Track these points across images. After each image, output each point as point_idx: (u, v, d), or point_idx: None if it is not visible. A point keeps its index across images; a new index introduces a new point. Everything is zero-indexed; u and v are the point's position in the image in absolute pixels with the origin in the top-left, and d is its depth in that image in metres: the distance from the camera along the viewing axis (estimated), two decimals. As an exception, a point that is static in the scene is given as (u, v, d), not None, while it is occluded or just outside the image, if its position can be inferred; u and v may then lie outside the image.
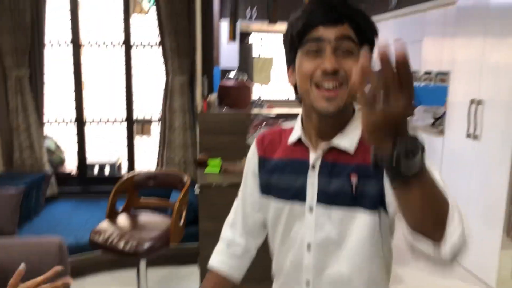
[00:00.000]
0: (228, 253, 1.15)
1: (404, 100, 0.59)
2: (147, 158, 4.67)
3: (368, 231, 0.92)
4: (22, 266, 1.16)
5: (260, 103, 4.33)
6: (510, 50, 2.76)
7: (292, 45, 0.93)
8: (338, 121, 0.94)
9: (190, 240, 3.18)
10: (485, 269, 3.00)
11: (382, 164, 0.66)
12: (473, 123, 3.08)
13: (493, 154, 2.92)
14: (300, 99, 0.97)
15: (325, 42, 0.87)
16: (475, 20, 3.09)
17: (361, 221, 0.92)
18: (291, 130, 1.03)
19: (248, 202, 1.12)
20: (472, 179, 3.13)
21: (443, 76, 4.26)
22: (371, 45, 0.91)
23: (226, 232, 1.18)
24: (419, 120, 4.04)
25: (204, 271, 2.73)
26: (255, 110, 3.49)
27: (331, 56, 0.86)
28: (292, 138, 1.01)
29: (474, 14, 3.11)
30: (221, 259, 1.15)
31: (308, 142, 0.98)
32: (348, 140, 0.93)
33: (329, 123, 0.94)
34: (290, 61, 0.96)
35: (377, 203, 0.91)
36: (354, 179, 0.91)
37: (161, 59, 3.90)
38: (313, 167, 0.96)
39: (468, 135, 3.13)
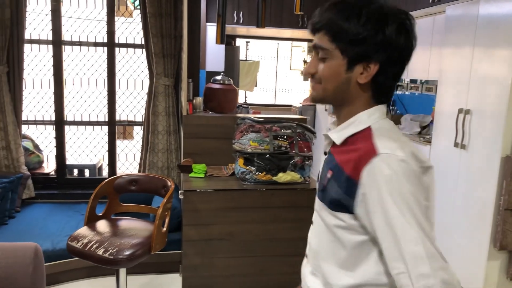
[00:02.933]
0: None
1: None
2: (129, 162, 4.56)
3: (329, 226, 1.00)
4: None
5: (246, 107, 4.27)
6: (498, 60, 2.76)
7: None
8: (340, 116, 1.04)
9: (173, 247, 3.09)
10: (471, 280, 2.99)
11: None
12: (461, 132, 3.08)
13: (480, 164, 2.92)
14: None
15: (313, 50, 1.03)
16: (464, 29, 3.10)
17: (324, 214, 1.02)
18: None
19: None
20: (459, 189, 3.13)
21: (429, 85, 4.27)
22: (358, 44, 0.94)
23: None
24: (405, 129, 4.04)
25: (187, 280, 2.65)
26: (240, 115, 3.43)
27: (310, 62, 1.02)
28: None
29: (463, 24, 3.11)
30: None
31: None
32: (338, 134, 1.02)
33: (337, 117, 1.06)
34: None
35: (337, 207, 0.96)
36: (329, 174, 1.00)
37: (145, 61, 3.81)
38: (325, 153, 1.08)
39: (456, 144, 3.13)
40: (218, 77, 3.40)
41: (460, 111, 3.09)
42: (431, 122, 3.77)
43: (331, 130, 1.04)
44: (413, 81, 4.50)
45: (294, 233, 2.63)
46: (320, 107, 6.28)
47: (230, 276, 2.63)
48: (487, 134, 2.85)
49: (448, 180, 3.23)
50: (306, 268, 1.11)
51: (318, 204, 1.06)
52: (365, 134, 0.96)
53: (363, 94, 0.99)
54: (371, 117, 0.98)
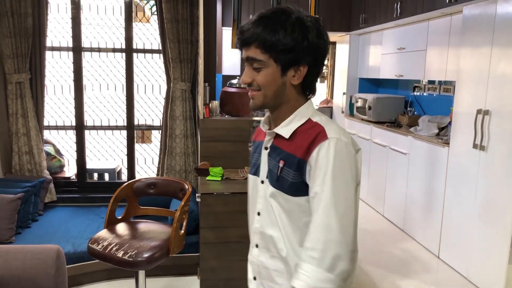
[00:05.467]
0: None
1: None
2: (147, 166, 4.62)
3: (286, 210, 1.15)
4: None
5: (262, 110, 4.29)
6: (517, 60, 2.72)
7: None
8: (278, 114, 1.19)
9: (191, 249, 3.13)
10: (492, 283, 2.94)
11: None
12: (479, 133, 3.04)
13: (500, 165, 2.87)
14: None
15: (245, 61, 1.15)
16: (482, 29, 3.06)
17: (281, 200, 1.15)
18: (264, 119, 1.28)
19: None
20: (478, 191, 3.08)
21: (447, 85, 4.22)
22: (288, 52, 1.09)
23: None
24: (423, 130, 4.00)
25: (205, 282, 2.67)
26: (256, 118, 3.45)
27: (245, 72, 1.15)
28: (262, 124, 1.26)
29: (481, 23, 3.08)
30: None
31: (267, 127, 1.23)
32: (286, 129, 1.16)
33: (273, 115, 1.20)
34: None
35: (293, 192, 1.12)
36: (281, 164, 1.15)
37: (163, 66, 3.87)
38: (266, 148, 1.22)
39: (475, 146, 3.09)
40: (234, 81, 3.43)
41: (478, 111, 3.05)
42: (449, 123, 3.72)
43: (278, 127, 1.17)
44: (430, 82, 4.46)
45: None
46: (337, 109, 6.26)
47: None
48: (507, 135, 2.81)
49: (467, 182, 3.19)
50: (261, 257, 1.23)
51: (270, 192, 1.17)
52: (311, 124, 1.14)
53: (296, 93, 1.17)
54: (308, 110, 1.17)
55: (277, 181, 1.15)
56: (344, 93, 5.87)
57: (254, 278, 1.29)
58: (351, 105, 5.60)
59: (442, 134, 3.85)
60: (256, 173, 1.24)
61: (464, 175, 3.23)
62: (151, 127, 4.50)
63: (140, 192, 2.83)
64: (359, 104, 5.20)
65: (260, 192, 1.21)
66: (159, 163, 4.00)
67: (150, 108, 4.42)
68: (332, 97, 6.69)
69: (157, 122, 4.38)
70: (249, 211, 1.34)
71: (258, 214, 1.22)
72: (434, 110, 4.42)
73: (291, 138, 1.15)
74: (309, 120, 1.16)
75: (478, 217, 3.08)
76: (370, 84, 5.74)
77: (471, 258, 3.14)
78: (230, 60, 5.29)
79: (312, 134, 1.11)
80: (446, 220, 3.47)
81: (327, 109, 6.54)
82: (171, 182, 2.85)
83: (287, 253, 1.16)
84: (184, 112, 3.81)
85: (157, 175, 4.01)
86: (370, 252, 3.66)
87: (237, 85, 3.40)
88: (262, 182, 1.21)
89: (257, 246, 1.24)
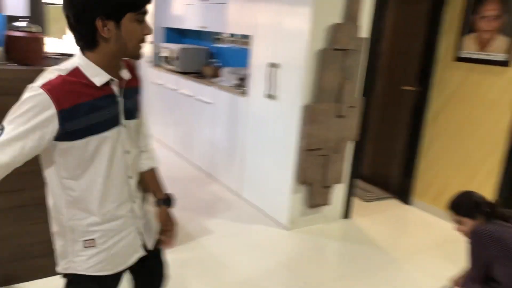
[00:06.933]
0: None
1: None
2: None
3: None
4: None
5: (59, 58, 3.86)
6: (301, 17, 3.11)
7: (123, 8, 1.20)
8: (120, 61, 1.37)
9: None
10: (280, 209, 3.47)
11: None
12: (270, 84, 3.41)
13: (286, 112, 3.32)
14: (90, 47, 1.25)
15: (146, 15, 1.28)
16: (272, -12, 3.35)
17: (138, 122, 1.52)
18: (74, 75, 1.24)
19: (32, 146, 1.20)
20: (270, 134, 3.52)
21: (245, 39, 4.55)
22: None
23: None
24: (225, 81, 4.27)
25: (-2, 252, 2.36)
26: (52, 66, 3.11)
27: (149, 25, 1.30)
28: (101, 80, 1.27)
29: (271, -17, 3.36)
30: None
31: (108, 78, 1.29)
32: (125, 73, 1.38)
33: (117, 64, 1.33)
34: (112, 18, 1.20)
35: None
36: (137, 97, 1.46)
37: None
38: (118, 96, 1.34)
39: (267, 95, 3.47)
40: (20, 24, 2.98)
41: (270, 64, 3.41)
42: (247, 74, 4.07)
43: (123, 73, 1.36)
44: (232, 35, 4.72)
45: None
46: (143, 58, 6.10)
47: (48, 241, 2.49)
48: (291, 85, 3.24)
49: (263, 128, 3.60)
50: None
51: (135, 124, 1.44)
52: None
53: None
54: None
55: (138, 111, 1.46)
56: (150, 42, 5.74)
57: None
58: (157, 55, 5.54)
59: (242, 85, 4.19)
60: (114, 124, 1.31)
61: (260, 121, 3.63)
62: None
63: None
64: (165, 54, 5.18)
65: (124, 135, 1.36)
66: None
67: None
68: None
69: None
70: (94, 166, 1.31)
71: (128, 152, 1.39)
72: (235, 62, 4.74)
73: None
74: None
75: (271, 158, 3.53)
76: (176, 34, 5.75)
77: (266, 193, 3.63)
78: (14, -3, 4.53)
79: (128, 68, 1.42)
80: (247, 162, 3.87)
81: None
82: None
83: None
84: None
85: None
86: (178, 197, 3.84)
87: (24, 29, 2.97)
88: (124, 126, 1.36)
89: (131, 177, 1.43)
